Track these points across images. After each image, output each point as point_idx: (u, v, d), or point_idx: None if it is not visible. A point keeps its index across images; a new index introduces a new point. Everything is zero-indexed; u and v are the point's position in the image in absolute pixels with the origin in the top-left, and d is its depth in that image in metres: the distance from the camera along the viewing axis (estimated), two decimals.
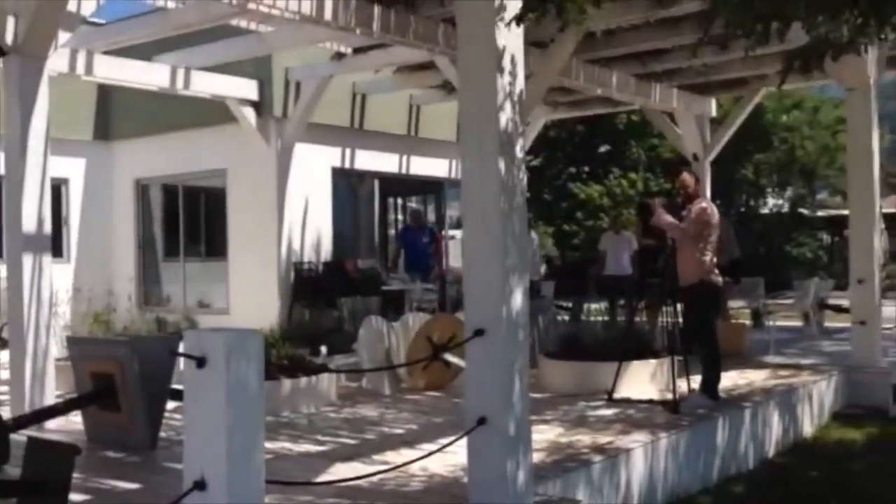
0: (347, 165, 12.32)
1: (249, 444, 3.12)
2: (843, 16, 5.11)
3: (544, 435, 5.64)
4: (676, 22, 9.54)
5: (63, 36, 6.45)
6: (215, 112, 11.24)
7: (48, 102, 6.38)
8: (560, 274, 17.68)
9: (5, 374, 6.62)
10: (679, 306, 6.99)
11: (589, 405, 6.74)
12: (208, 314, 11.84)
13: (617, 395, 6.92)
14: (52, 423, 5.88)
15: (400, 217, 15.02)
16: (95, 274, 12.51)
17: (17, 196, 6.27)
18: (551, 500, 4.42)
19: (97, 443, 5.65)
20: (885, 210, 17.34)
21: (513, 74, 4.21)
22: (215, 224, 12.32)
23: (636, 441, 5.53)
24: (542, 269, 13.06)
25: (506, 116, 4.16)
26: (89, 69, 8.93)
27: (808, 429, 7.52)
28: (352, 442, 5.87)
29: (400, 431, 6.19)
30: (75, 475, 3.73)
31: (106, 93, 12.47)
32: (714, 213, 6.80)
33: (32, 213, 6.31)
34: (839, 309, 11.05)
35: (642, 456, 5.43)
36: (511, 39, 4.18)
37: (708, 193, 11.93)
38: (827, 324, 11.82)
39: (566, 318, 11.93)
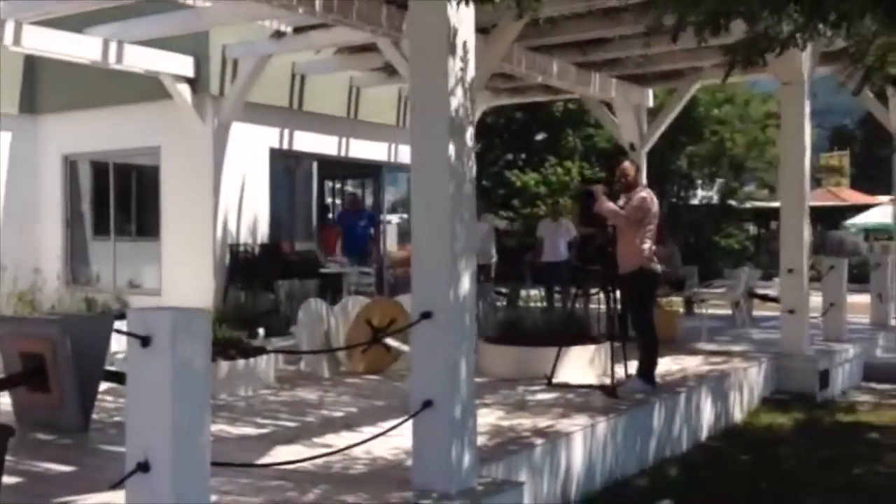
0: (286, 146, 12.13)
1: (195, 424, 3.06)
2: (788, 12, 5.22)
3: (486, 419, 5.66)
4: (618, 12, 9.63)
5: None
6: (149, 88, 10.93)
7: None
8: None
9: None
10: (617, 293, 7.11)
11: (529, 389, 6.80)
12: (139, 294, 11.55)
13: (556, 380, 6.99)
14: None
15: (338, 201, 14.91)
16: (21, 251, 12.10)
17: None
18: (495, 483, 4.44)
19: (26, 424, 5.47)
20: (809, 203, 17.90)
21: (464, 60, 4.19)
22: (147, 203, 12.01)
23: (576, 425, 5.59)
24: (494, 254, 13.13)
25: (457, 101, 4.14)
26: (17, 40, 8.60)
27: (738, 414, 7.72)
28: (292, 425, 5.81)
29: (340, 415, 6.16)
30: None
31: (33, 65, 12.02)
32: (654, 201, 6.90)
33: None
34: (767, 298, 11.37)
35: (582, 439, 5.49)
36: (463, 23, 4.16)
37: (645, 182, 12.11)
38: (755, 313, 12.14)
39: (503, 303, 12.03)
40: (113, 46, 9.76)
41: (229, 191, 11.29)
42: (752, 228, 28.03)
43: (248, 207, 11.54)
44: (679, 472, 6.20)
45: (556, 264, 12.62)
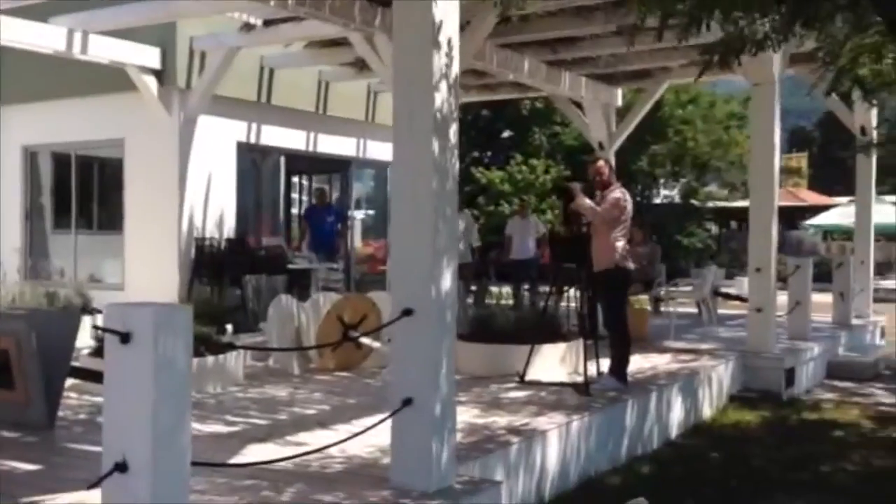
0: (253, 140, 11.98)
1: (176, 424, 2.99)
2: (771, 12, 5.25)
3: (461, 416, 5.57)
4: (590, 11, 9.66)
5: None
6: (114, 79, 10.71)
7: None
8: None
9: None
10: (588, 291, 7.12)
11: (502, 387, 6.78)
12: (101, 289, 11.32)
13: (528, 378, 6.99)
14: None
15: (305, 197, 14.79)
16: None
17: None
18: (473, 482, 4.41)
19: None
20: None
21: (449, 56, 4.15)
22: (111, 196, 11.79)
23: (551, 423, 5.59)
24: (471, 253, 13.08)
25: (441, 97, 4.09)
26: None
27: (707, 411, 7.78)
28: (263, 423, 5.73)
29: (312, 412, 6.09)
30: None
31: None
32: (628, 200, 6.94)
33: None
34: (734, 297, 11.49)
35: (557, 437, 5.49)
36: (448, 17, 4.12)
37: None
38: (719, 311, 12.25)
39: (472, 300, 12.03)
40: (77, 36, 9.57)
41: (195, 185, 11.13)
42: (713, 228, 28.34)
43: (214, 202, 11.39)
44: (651, 469, 6.23)
45: (525, 262, 12.65)
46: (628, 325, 7.12)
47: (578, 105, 13.53)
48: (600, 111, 13.02)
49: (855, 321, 11.57)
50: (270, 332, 7.69)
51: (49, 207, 12.51)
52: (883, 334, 12.48)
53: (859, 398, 8.77)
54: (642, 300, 10.91)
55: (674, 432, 7.11)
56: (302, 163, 13.58)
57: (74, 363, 5.92)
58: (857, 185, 12.48)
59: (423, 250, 4.09)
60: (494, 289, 12.97)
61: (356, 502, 4.03)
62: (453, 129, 4.19)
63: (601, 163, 7.11)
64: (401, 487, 4.13)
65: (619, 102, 13.56)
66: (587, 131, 13.38)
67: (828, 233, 30.31)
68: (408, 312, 4.08)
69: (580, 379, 6.74)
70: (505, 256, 13.02)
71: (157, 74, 10.74)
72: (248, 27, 10.31)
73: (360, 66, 11.65)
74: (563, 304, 8.49)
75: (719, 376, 8.13)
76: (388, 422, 4.20)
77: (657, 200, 27.49)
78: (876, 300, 13.15)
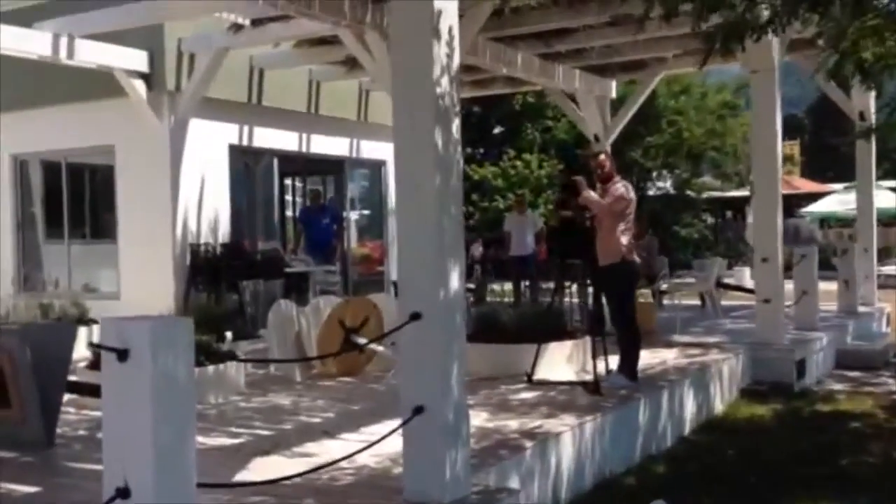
0: (245, 143, 11.79)
1: (179, 445, 2.82)
2: None
3: (471, 421, 5.45)
4: (584, 2, 9.51)
5: None
6: (102, 84, 10.51)
7: None
8: None
9: None
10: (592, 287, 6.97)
11: (510, 388, 6.62)
12: (96, 299, 11.13)
13: (536, 378, 6.83)
14: None
15: (299, 199, 14.60)
16: None
17: None
18: (489, 491, 4.25)
19: None
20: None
21: (449, 46, 3.98)
22: (103, 203, 11.60)
23: (565, 424, 5.43)
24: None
25: (442, 89, 3.93)
26: None
27: (719, 406, 7.63)
28: (268, 433, 5.57)
29: (318, 420, 5.92)
30: None
31: None
32: (631, 192, 6.79)
33: None
34: (739, 289, 11.35)
35: (571, 439, 5.34)
36: (447, 6, 3.95)
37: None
38: (721, 302, 12.11)
39: (471, 299, 11.86)
40: (63, 41, 9.36)
41: (188, 189, 10.94)
42: (709, 218, 28.23)
43: (207, 206, 11.20)
44: (665, 468, 6.08)
45: (524, 258, 12.50)
46: (636, 320, 6.96)
47: (573, 99, 13.37)
48: (595, 104, 12.87)
49: (861, 309, 11.43)
50: (271, 338, 7.51)
51: (41, 217, 12.31)
52: (889, 321, 12.35)
53: (871, 388, 8.63)
54: (645, 293, 10.77)
55: (687, 428, 6.96)
56: (295, 164, 13.40)
57: (72, 377, 5.74)
58: (858, 171, 12.34)
59: (429, 250, 3.92)
60: (495, 286, 12.82)
61: None
62: (455, 123, 4.03)
63: (603, 156, 6.95)
64: (415, 499, 3.97)
65: (614, 94, 13.41)
66: (582, 124, 13.22)
67: (824, 220, 30.20)
68: (416, 316, 3.92)
69: (589, 377, 6.59)
70: (504, 253, 12.86)
71: (146, 78, 10.54)
72: (236, 27, 10.12)
73: (351, 64, 11.47)
74: (566, 300, 8.35)
75: (730, 370, 7.98)
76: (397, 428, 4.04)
77: (651, 192, 27.36)
78: (877, 286, 13.01)
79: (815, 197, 31.07)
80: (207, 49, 10.41)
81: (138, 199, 10.98)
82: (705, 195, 27.72)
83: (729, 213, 30.65)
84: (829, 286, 11.68)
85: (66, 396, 5.61)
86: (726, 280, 12.95)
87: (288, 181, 14.67)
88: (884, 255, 23.04)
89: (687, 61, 12.31)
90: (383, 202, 14.24)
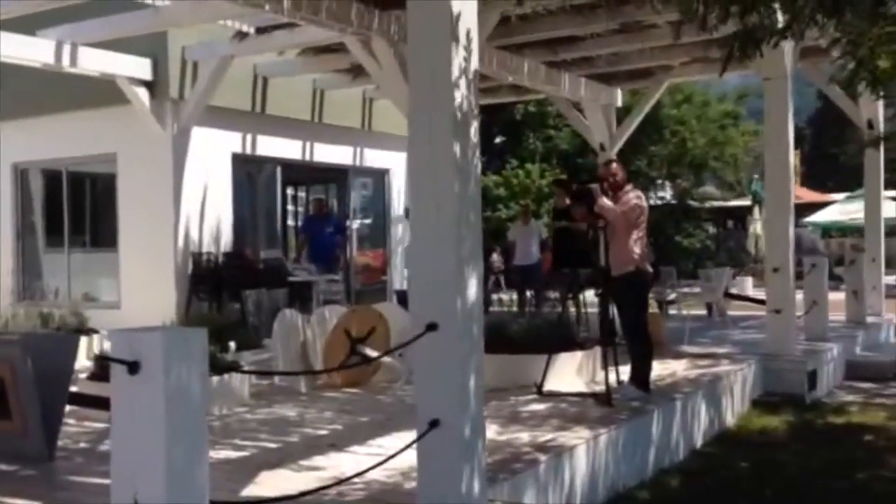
0: (249, 151, 11.71)
1: (192, 460, 2.71)
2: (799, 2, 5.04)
3: None
4: (592, 9, 9.44)
5: None
6: (105, 92, 10.43)
7: None
8: None
9: None
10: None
11: (520, 400, 6.50)
12: (97, 308, 11.01)
13: (546, 389, 6.71)
14: None
15: (302, 208, 14.51)
16: None
17: None
18: None
19: None
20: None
21: (467, 49, 3.88)
22: (104, 212, 11.50)
23: (578, 437, 5.31)
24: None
25: (461, 93, 3.82)
26: None
27: (730, 418, 7.51)
28: (274, 446, 5.44)
29: (324, 433, 5.80)
30: None
31: None
32: (644, 200, 6.69)
33: None
34: (744, 298, 11.23)
35: (585, 452, 5.22)
36: (466, 8, 3.85)
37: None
38: (728, 312, 12.00)
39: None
40: (66, 49, 9.31)
41: (190, 198, 10.85)
42: (710, 228, 28.15)
43: (210, 215, 11.11)
44: (679, 481, 5.95)
45: (529, 267, 12.39)
46: (648, 330, 6.85)
47: (578, 108, 13.30)
48: (601, 112, 12.79)
49: (869, 319, 11.32)
50: (276, 348, 7.39)
51: (41, 226, 12.23)
52: None
53: (884, 399, 8.51)
54: (651, 303, 10.66)
55: (699, 441, 6.84)
56: (298, 173, 13.31)
57: (73, 388, 5.62)
58: (866, 180, 12.24)
59: (447, 259, 3.81)
60: (503, 296, 12.72)
61: None
62: (474, 128, 3.92)
63: (615, 165, 6.84)
64: None
65: (619, 103, 13.33)
66: (588, 133, 13.15)
67: (826, 230, 30.11)
68: (432, 327, 3.80)
69: (601, 389, 6.47)
70: (509, 263, 12.75)
71: (149, 86, 10.47)
72: (240, 35, 10.06)
73: (356, 72, 11.40)
74: (572, 309, 8.26)
75: (742, 381, 7.86)
76: (408, 440, 3.93)
77: (652, 202, 27.29)
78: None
79: (816, 207, 31.00)
80: (211, 57, 10.34)
81: (140, 207, 10.89)
82: (707, 205, 27.66)
83: (730, 223, 30.57)
84: (833, 296, 11.56)
85: (68, 408, 5.49)
86: (731, 290, 12.84)
87: (291, 190, 14.58)
88: (886, 265, 22.97)
89: (693, 69, 12.25)
90: (386, 211, 14.14)
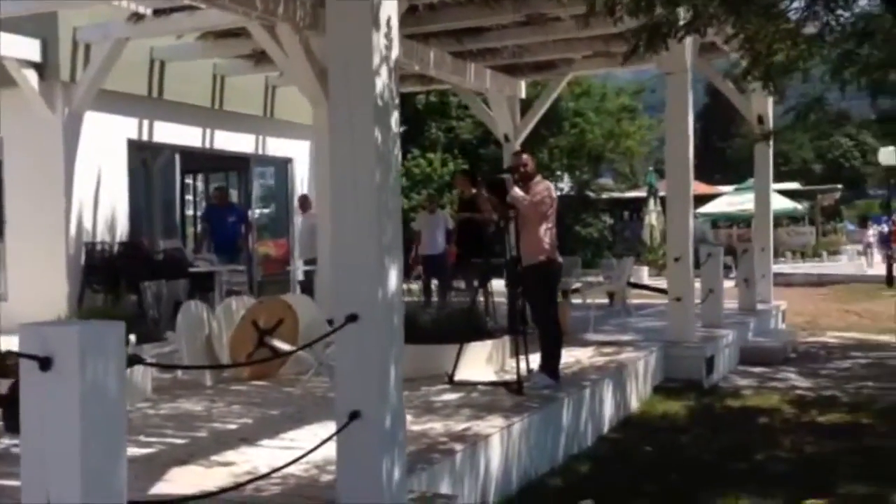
0: (145, 138, 11.32)
1: (110, 462, 2.57)
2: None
3: None
4: (498, 1, 9.49)
5: None
6: None
7: None
8: None
9: None
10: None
11: (431, 390, 6.49)
12: None
13: (457, 378, 6.72)
14: None
15: (200, 198, 14.12)
16: None
17: None
18: (425, 497, 4.11)
19: None
20: (660, 194, 18.46)
21: (388, 37, 3.82)
22: None
23: (492, 427, 5.33)
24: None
25: (382, 81, 3.76)
26: None
27: (634, 403, 7.70)
28: (181, 442, 5.26)
29: (234, 427, 5.65)
30: None
31: None
32: (553, 191, 6.77)
33: None
34: (649, 288, 11.54)
35: (499, 441, 5.25)
36: None
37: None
38: (627, 301, 12.30)
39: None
40: None
41: (83, 186, 10.42)
42: (608, 219, 28.85)
43: (104, 203, 10.70)
44: (589, 467, 6.06)
45: (434, 257, 12.37)
46: (558, 319, 6.95)
47: (483, 99, 13.37)
48: (505, 104, 12.91)
49: (760, 306, 11.80)
50: (179, 340, 7.15)
51: None
52: (784, 318, 12.81)
53: (776, 383, 8.89)
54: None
55: (606, 427, 6.98)
56: (198, 160, 12.96)
57: None
58: (756, 173, 12.74)
59: (367, 250, 3.75)
60: (410, 286, 12.66)
61: None
62: (395, 117, 3.87)
63: (525, 156, 6.90)
64: None
65: (523, 94, 13.48)
66: (493, 124, 13.25)
67: (715, 221, 31.30)
68: (352, 318, 3.74)
69: (511, 377, 6.53)
70: (414, 252, 12.72)
71: (38, 68, 10.00)
72: (136, 17, 9.68)
73: (259, 58, 11.15)
74: (481, 299, 8.31)
75: (644, 367, 8.07)
76: (321, 433, 3.86)
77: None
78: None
79: (705, 198, 32.18)
80: (105, 39, 9.94)
81: (28, 195, 10.40)
82: (605, 196, 28.31)
83: (626, 214, 31.42)
84: (727, 283, 12.01)
85: None
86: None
87: (190, 178, 14.18)
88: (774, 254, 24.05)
89: (595, 62, 12.48)
90: (289, 200, 13.91)
